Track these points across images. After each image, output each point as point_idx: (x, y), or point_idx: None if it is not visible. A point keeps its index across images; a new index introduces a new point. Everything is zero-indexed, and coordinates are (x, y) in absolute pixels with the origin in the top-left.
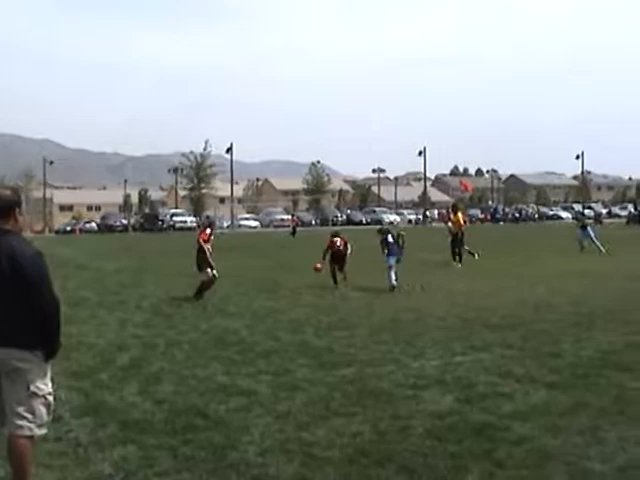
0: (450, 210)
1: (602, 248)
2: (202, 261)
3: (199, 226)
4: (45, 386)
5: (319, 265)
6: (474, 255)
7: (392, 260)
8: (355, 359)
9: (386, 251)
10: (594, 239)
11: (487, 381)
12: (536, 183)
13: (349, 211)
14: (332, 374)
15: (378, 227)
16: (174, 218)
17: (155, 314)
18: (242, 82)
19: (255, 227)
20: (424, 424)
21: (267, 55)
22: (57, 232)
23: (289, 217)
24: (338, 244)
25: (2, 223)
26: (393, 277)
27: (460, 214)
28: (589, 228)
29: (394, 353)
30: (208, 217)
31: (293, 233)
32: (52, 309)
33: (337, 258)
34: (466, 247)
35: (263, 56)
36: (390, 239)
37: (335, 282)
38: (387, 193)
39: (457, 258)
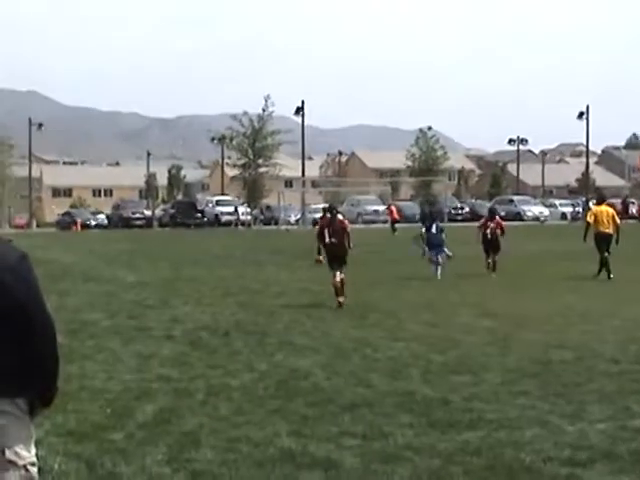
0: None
1: None
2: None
3: (255, 220)
4: (27, 452)
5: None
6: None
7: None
8: (481, 418)
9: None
10: None
11: None
12: None
13: (474, 200)
14: (448, 439)
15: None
16: (219, 208)
17: (192, 347)
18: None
19: None
20: None
21: None
22: (59, 225)
23: (384, 208)
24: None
25: None
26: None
27: (607, 208)
28: None
29: (539, 410)
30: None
31: (393, 229)
32: (47, 339)
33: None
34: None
35: None
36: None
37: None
38: (530, 174)
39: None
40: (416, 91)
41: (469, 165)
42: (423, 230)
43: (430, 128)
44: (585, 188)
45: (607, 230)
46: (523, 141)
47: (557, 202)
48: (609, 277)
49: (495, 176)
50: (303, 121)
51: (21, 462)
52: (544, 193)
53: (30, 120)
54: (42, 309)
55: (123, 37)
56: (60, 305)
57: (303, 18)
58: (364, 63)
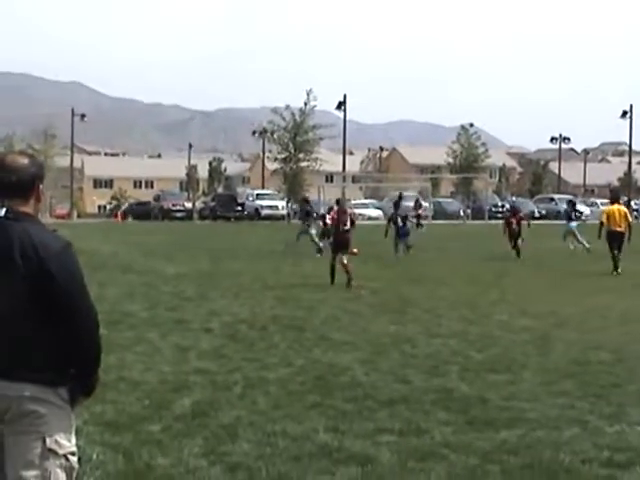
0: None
1: None
2: None
3: (294, 214)
4: (68, 442)
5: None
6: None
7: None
8: (520, 417)
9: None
10: None
11: None
12: None
13: (514, 198)
14: (485, 437)
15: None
16: (259, 202)
17: (230, 340)
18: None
19: (376, 217)
20: None
21: None
22: (106, 213)
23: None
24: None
25: (18, 204)
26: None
27: (619, 207)
28: None
29: (579, 411)
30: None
31: (419, 224)
32: (89, 327)
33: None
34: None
35: None
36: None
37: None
38: (572, 172)
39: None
40: (461, 88)
41: (510, 163)
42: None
43: (472, 125)
44: (627, 187)
45: (619, 229)
46: (565, 139)
47: (598, 201)
48: (617, 272)
49: (536, 174)
50: (345, 116)
51: (62, 451)
52: (585, 192)
53: (73, 111)
54: (86, 298)
55: (167, 30)
56: (100, 295)
57: (347, 12)
58: (409, 59)
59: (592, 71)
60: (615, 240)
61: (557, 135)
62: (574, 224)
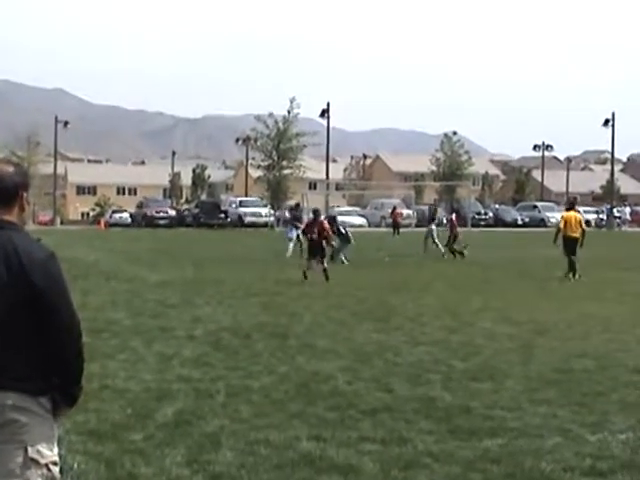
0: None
1: None
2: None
3: (278, 222)
4: (50, 451)
5: None
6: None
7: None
8: (502, 426)
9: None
10: None
11: None
12: None
13: (498, 206)
14: (468, 446)
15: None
16: (243, 209)
17: (213, 348)
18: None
19: (360, 225)
20: None
21: None
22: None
23: (408, 212)
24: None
25: (2, 212)
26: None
27: (576, 214)
28: None
29: (561, 419)
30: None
31: (395, 230)
32: (72, 338)
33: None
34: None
35: None
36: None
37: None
38: (555, 181)
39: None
40: (444, 96)
41: (493, 170)
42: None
43: (455, 133)
44: (610, 195)
45: (574, 234)
46: (548, 147)
47: (581, 209)
48: (573, 277)
49: (519, 182)
50: (328, 123)
51: (43, 461)
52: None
53: (56, 118)
54: (69, 308)
55: (150, 37)
56: (83, 303)
57: (331, 19)
58: (393, 66)
59: (575, 79)
60: (570, 245)
61: (540, 143)
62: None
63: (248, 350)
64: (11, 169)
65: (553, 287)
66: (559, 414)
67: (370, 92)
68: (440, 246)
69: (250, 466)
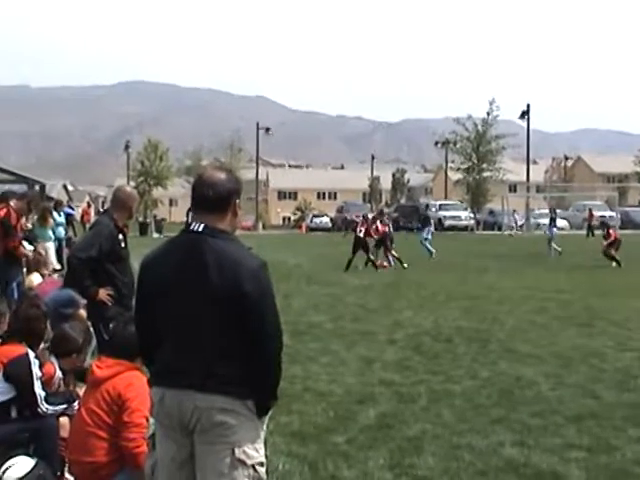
0: None
1: None
2: None
3: (478, 225)
4: (256, 452)
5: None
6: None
7: None
8: None
9: None
10: None
11: None
12: None
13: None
14: None
15: None
16: (442, 212)
17: (414, 352)
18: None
19: (561, 228)
20: None
21: None
22: (293, 225)
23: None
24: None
25: (214, 220)
26: None
27: None
28: None
29: None
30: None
31: (589, 232)
32: (275, 347)
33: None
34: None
35: None
36: None
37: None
38: None
39: None
40: None
41: None
42: None
43: None
44: None
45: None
46: None
47: None
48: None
49: None
50: (528, 125)
51: (250, 462)
52: None
53: (258, 125)
54: (275, 320)
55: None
56: (285, 306)
57: (531, 18)
58: (594, 66)
59: None
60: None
61: None
62: None
63: (449, 354)
64: (223, 175)
65: None
66: None
67: (570, 92)
68: (556, 248)
69: (453, 471)
